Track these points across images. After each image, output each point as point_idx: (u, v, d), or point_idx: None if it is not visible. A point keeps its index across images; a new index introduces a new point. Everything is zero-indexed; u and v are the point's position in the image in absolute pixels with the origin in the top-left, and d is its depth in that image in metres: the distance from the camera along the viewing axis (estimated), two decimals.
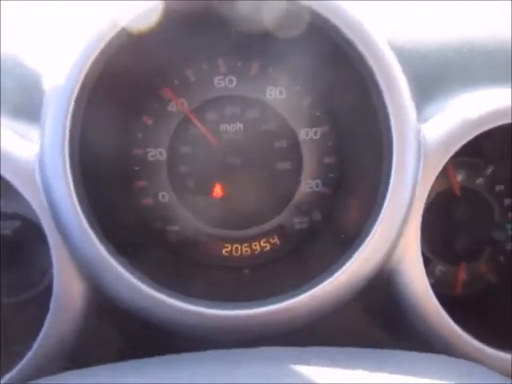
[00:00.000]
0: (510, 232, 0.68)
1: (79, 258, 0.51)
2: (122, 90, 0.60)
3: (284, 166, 0.66)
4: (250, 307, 0.51)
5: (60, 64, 0.51)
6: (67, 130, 0.49)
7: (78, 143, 0.51)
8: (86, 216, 0.49)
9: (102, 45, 0.50)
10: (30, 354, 0.50)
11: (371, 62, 0.52)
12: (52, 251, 0.51)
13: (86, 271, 0.51)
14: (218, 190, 0.65)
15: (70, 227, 0.49)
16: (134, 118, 0.65)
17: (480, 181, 0.68)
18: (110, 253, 0.49)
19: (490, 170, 0.68)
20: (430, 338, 0.53)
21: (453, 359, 0.46)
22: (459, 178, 0.68)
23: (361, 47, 0.52)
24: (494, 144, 0.61)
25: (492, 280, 0.69)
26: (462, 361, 0.47)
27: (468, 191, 0.68)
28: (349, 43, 0.52)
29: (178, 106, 0.64)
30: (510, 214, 0.68)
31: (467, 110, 0.53)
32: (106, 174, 0.61)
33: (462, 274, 0.67)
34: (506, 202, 0.68)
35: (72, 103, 0.49)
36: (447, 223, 0.67)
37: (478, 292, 0.68)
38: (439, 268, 0.68)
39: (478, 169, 0.68)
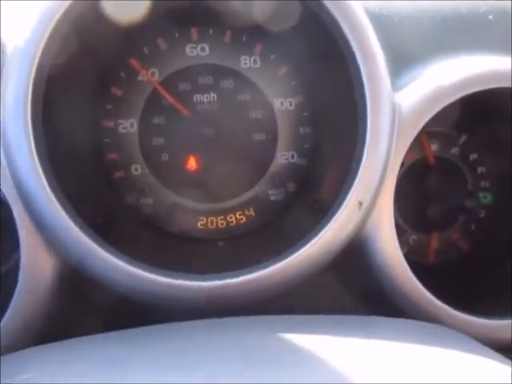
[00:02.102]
0: (482, 200, 0.69)
1: (47, 233, 0.49)
2: (89, 58, 0.58)
3: (259, 137, 0.65)
4: (225, 278, 0.50)
5: (20, 29, 0.48)
6: (29, 100, 0.47)
7: (42, 115, 0.49)
8: (53, 190, 0.47)
9: (64, 8, 0.48)
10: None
11: (346, 30, 0.51)
12: (19, 227, 0.49)
13: (55, 246, 0.50)
14: (192, 163, 0.64)
15: (37, 202, 0.48)
16: (103, 89, 0.62)
17: (454, 150, 0.68)
18: (80, 226, 0.48)
19: (463, 140, 0.68)
20: (403, 304, 0.54)
21: (423, 323, 0.47)
22: (434, 147, 0.68)
23: (336, 14, 0.51)
24: (468, 113, 0.62)
25: (464, 247, 0.70)
26: (432, 325, 0.48)
27: (442, 161, 0.68)
28: (324, 10, 0.51)
29: (145, 76, 0.62)
30: (482, 183, 0.69)
31: (441, 78, 0.53)
32: (74, 147, 0.59)
33: (435, 243, 0.68)
34: (479, 170, 0.69)
35: (33, 71, 0.47)
36: (421, 193, 0.68)
37: (450, 259, 0.70)
38: (413, 237, 0.69)
39: (453, 138, 0.68)
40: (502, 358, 0.42)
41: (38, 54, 0.46)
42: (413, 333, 0.45)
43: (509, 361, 0.41)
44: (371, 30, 0.52)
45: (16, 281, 0.49)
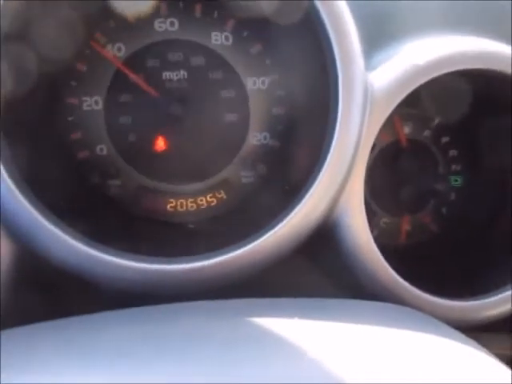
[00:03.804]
0: (453, 183, 0.69)
1: (4, 217, 0.47)
2: (52, 30, 0.55)
3: (231, 117, 0.63)
4: (194, 261, 0.49)
5: None
6: None
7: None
8: (9, 171, 0.45)
9: None
10: None
11: (319, 7, 0.49)
12: None
13: (12, 230, 0.47)
14: (160, 143, 0.62)
15: None
16: (66, 64, 0.59)
17: (427, 133, 0.68)
18: (38, 209, 0.45)
19: (436, 122, 0.68)
20: (372, 287, 0.54)
21: (389, 305, 0.47)
22: (406, 130, 0.68)
23: None
24: (441, 95, 0.61)
25: (435, 230, 0.70)
26: (398, 306, 0.48)
27: (414, 143, 0.68)
28: None
29: (107, 56, 0.59)
30: (453, 166, 0.70)
31: (415, 58, 0.52)
32: (36, 126, 0.56)
33: (406, 225, 0.69)
34: (451, 153, 0.69)
35: None
36: (393, 176, 0.68)
37: (421, 242, 0.70)
38: (384, 220, 0.69)
39: (425, 120, 0.68)
40: (465, 338, 0.42)
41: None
42: (377, 315, 0.45)
43: (472, 340, 0.42)
44: (346, 8, 0.50)
45: None
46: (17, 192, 0.45)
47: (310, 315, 0.40)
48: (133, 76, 0.59)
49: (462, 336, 0.42)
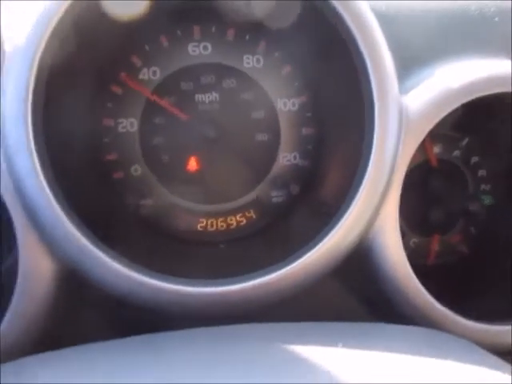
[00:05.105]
0: (482, 203, 0.69)
1: (45, 234, 0.48)
2: (90, 56, 0.56)
3: (261, 137, 0.64)
4: (227, 284, 0.49)
5: (20, 28, 0.47)
6: (29, 100, 0.45)
7: (42, 114, 0.47)
8: (52, 190, 0.46)
9: (64, 7, 0.46)
10: None
11: (354, 30, 0.50)
12: (16, 228, 0.48)
13: (53, 247, 0.48)
14: (192, 163, 0.63)
15: (35, 202, 0.46)
16: (103, 87, 0.61)
17: (456, 153, 0.68)
18: (78, 227, 0.46)
19: (465, 142, 0.68)
20: (406, 310, 0.53)
21: (426, 329, 0.47)
22: (436, 150, 0.68)
23: (343, 13, 0.50)
24: (471, 115, 0.61)
25: (464, 250, 0.70)
26: (434, 331, 0.48)
27: (444, 163, 0.68)
28: (330, 9, 0.50)
29: (137, 88, 0.60)
30: (483, 186, 0.69)
31: (449, 81, 0.53)
32: (73, 147, 0.57)
33: (435, 246, 0.68)
34: (481, 173, 0.69)
35: (34, 71, 0.45)
36: (422, 196, 0.67)
37: (450, 262, 0.70)
38: (413, 240, 0.69)
39: (455, 141, 0.68)
40: (502, 362, 0.41)
41: (39, 53, 0.45)
42: (415, 340, 0.44)
43: (509, 365, 0.41)
44: (379, 30, 0.51)
45: (14, 283, 0.48)
46: (59, 210, 0.46)
47: (349, 340, 0.40)
48: (164, 104, 0.61)
49: (498, 360, 0.42)
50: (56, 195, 0.46)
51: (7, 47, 0.48)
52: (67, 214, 0.47)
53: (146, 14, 0.57)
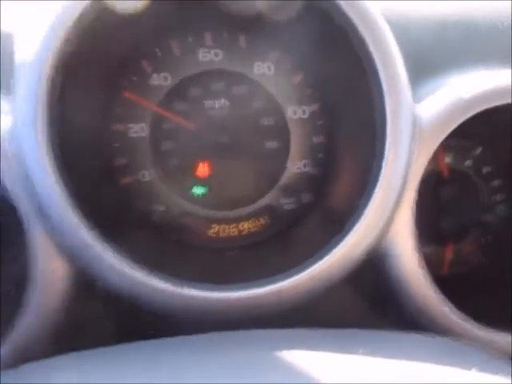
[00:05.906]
0: (496, 213, 0.68)
1: (58, 237, 0.48)
2: (101, 60, 0.57)
3: (271, 145, 0.64)
4: (238, 289, 0.49)
5: (33, 31, 0.47)
6: (43, 103, 0.46)
7: (55, 118, 0.47)
8: (66, 195, 0.46)
9: (78, 11, 0.47)
10: (11, 339, 0.47)
11: (366, 38, 0.50)
12: (30, 231, 0.48)
13: (65, 251, 0.48)
14: (203, 169, 0.63)
15: (49, 207, 0.46)
16: (114, 92, 0.61)
17: (468, 162, 0.68)
18: (91, 230, 0.46)
19: (477, 152, 0.68)
20: (420, 317, 0.52)
21: (444, 339, 0.46)
22: (448, 159, 0.67)
23: (356, 21, 0.50)
24: (483, 125, 0.61)
25: (478, 260, 0.69)
26: (452, 340, 0.47)
27: (456, 173, 0.67)
28: (343, 17, 0.50)
29: (143, 103, 0.60)
30: (496, 195, 0.68)
31: (463, 90, 0.52)
32: (84, 151, 0.57)
33: (449, 255, 0.67)
34: (493, 183, 0.68)
35: (46, 74, 0.46)
36: (434, 205, 0.67)
37: (463, 272, 0.69)
38: (425, 249, 0.68)
39: (467, 150, 0.67)
40: None
41: (52, 57, 0.45)
42: (433, 349, 0.44)
43: None
44: (392, 39, 0.51)
45: (24, 285, 0.48)
46: (74, 217, 0.46)
47: (367, 349, 0.40)
48: (171, 116, 0.61)
49: None
50: (70, 201, 0.47)
51: (19, 50, 0.48)
52: (80, 217, 0.47)
53: (157, 19, 0.57)
